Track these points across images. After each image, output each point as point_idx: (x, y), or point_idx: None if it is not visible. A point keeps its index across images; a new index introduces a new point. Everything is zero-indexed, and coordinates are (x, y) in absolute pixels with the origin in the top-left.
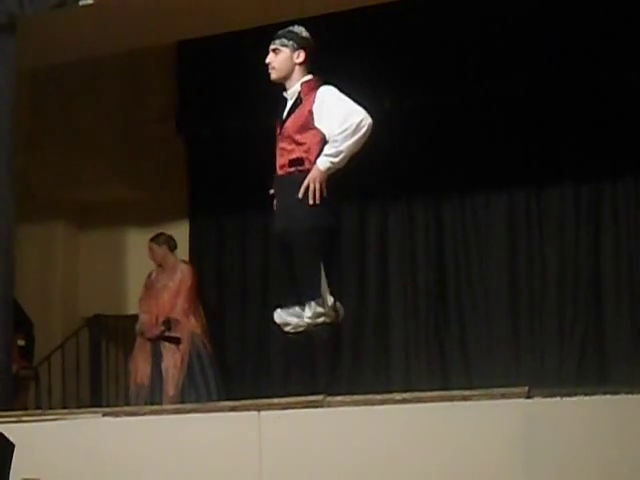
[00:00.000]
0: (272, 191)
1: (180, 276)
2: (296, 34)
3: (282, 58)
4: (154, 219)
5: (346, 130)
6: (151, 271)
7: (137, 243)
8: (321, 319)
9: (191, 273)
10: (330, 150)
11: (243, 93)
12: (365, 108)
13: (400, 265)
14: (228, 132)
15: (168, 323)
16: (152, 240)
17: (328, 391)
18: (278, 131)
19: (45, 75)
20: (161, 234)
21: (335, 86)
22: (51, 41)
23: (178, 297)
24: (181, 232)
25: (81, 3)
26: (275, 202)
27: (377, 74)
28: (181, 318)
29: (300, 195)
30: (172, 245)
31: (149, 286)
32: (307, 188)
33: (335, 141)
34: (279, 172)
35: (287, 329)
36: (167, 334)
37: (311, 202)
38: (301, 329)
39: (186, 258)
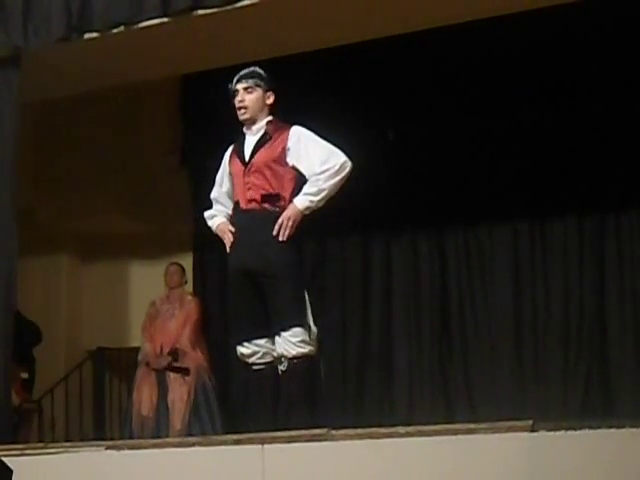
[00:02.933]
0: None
1: (187, 308)
2: (265, 76)
3: (255, 97)
4: (158, 252)
5: (329, 170)
6: (154, 299)
7: (141, 276)
8: (304, 347)
9: (199, 307)
10: (311, 189)
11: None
12: (344, 150)
13: (404, 297)
14: None
15: (175, 353)
16: (175, 264)
17: (308, 424)
18: (239, 166)
19: (49, 107)
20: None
21: (306, 127)
22: (55, 74)
23: (184, 328)
24: (185, 265)
25: (86, 36)
26: (234, 236)
27: (381, 106)
28: (188, 349)
29: (274, 232)
30: (185, 276)
31: (154, 314)
32: (280, 225)
33: (317, 180)
34: (246, 206)
35: (253, 359)
36: (174, 364)
37: (280, 239)
38: (268, 359)
39: (190, 290)
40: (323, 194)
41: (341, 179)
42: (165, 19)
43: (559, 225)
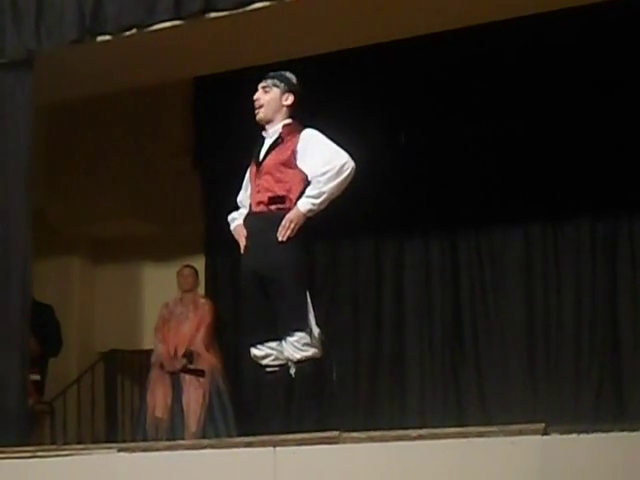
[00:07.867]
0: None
1: (201, 311)
2: (288, 78)
3: (271, 97)
4: (170, 253)
5: (329, 172)
6: (167, 301)
7: (153, 278)
8: (307, 350)
9: (212, 310)
10: (312, 191)
11: (259, 128)
12: (349, 152)
13: (416, 301)
14: (244, 166)
15: (190, 356)
16: (189, 266)
17: (320, 427)
18: (254, 169)
19: (62, 110)
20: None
21: (319, 130)
22: (68, 76)
23: (198, 331)
24: (197, 266)
25: (99, 39)
26: (246, 240)
27: (393, 109)
28: (202, 352)
29: (279, 236)
30: (198, 278)
31: (167, 316)
32: (283, 226)
33: (318, 182)
34: (256, 209)
35: (266, 361)
36: (190, 367)
37: (280, 239)
38: (281, 362)
39: (201, 292)
40: (324, 197)
41: (343, 180)
42: (177, 22)
43: (572, 228)
